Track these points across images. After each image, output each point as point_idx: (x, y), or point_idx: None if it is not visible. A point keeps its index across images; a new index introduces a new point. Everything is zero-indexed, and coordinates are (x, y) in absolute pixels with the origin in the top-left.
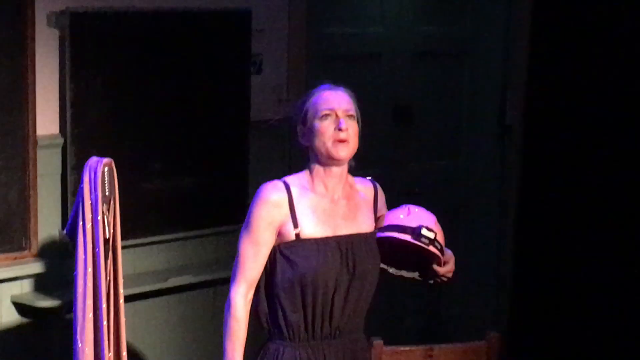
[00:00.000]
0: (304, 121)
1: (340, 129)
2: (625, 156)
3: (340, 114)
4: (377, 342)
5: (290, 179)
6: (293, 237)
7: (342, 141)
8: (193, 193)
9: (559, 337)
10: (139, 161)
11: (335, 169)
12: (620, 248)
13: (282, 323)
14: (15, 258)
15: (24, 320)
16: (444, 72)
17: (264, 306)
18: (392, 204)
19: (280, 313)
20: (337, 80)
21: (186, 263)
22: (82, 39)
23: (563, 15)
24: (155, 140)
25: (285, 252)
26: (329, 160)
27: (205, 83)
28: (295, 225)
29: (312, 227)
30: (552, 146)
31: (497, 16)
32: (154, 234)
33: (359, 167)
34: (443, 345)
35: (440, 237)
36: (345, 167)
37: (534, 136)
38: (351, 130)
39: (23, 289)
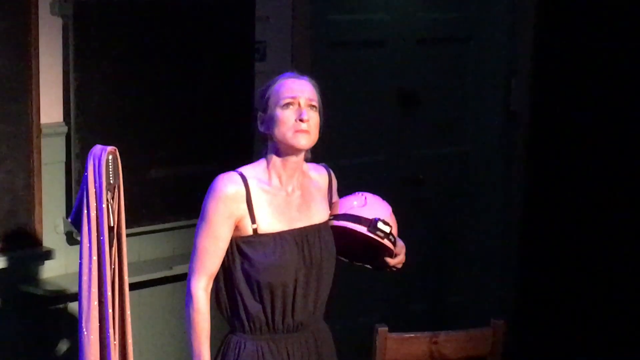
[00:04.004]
0: (265, 108)
1: (301, 120)
2: (632, 140)
3: (302, 103)
4: (382, 328)
5: (246, 171)
6: (250, 232)
7: (302, 132)
8: (197, 180)
9: (564, 325)
10: (143, 149)
11: (292, 159)
12: (628, 234)
13: (243, 316)
14: (20, 246)
15: (29, 308)
16: (448, 58)
17: (224, 298)
18: (397, 191)
19: (241, 306)
20: (342, 66)
21: (191, 250)
22: (85, 27)
23: (568, 0)
24: (159, 128)
25: (243, 247)
26: (288, 149)
27: (210, 70)
28: (253, 221)
29: (268, 222)
30: (558, 132)
31: (501, 1)
32: (158, 222)
33: (363, 152)
34: (448, 332)
35: (395, 230)
36: (302, 157)
37: (540, 122)
38: (312, 121)
39: (28, 277)
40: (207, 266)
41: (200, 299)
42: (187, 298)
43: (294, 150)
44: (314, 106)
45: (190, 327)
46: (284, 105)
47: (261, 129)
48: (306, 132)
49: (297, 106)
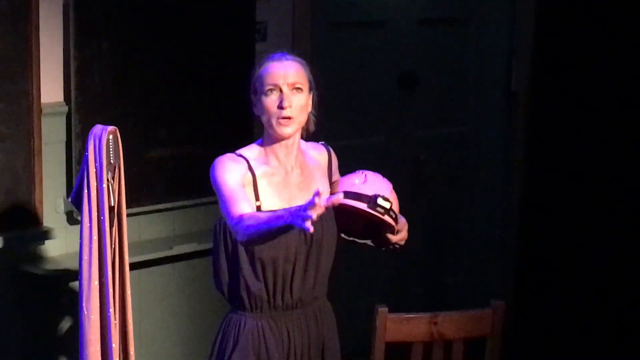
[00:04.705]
0: (255, 92)
1: (282, 107)
2: (632, 122)
3: (284, 89)
4: (382, 309)
5: (244, 152)
6: (254, 209)
7: (285, 118)
8: (198, 160)
9: (564, 305)
10: (143, 129)
11: (285, 141)
12: (629, 217)
13: (244, 294)
14: (21, 226)
15: (30, 288)
16: (449, 38)
17: (225, 277)
18: (397, 171)
19: (242, 284)
20: (343, 47)
21: (191, 230)
22: (86, 6)
23: None
24: (160, 107)
25: None
26: (277, 135)
27: (211, 51)
28: (257, 198)
29: (270, 200)
30: (558, 113)
31: None
32: (159, 202)
33: (364, 133)
34: (448, 313)
35: (396, 206)
36: (297, 137)
37: (540, 103)
38: (296, 105)
39: (28, 257)
40: (241, 199)
41: (246, 213)
42: (236, 230)
43: (281, 137)
44: (298, 88)
45: (257, 224)
46: (266, 92)
47: (255, 111)
48: (288, 118)
49: (278, 92)
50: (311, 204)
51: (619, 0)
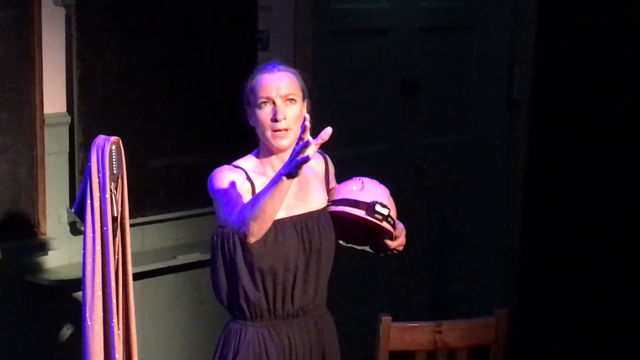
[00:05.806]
0: (248, 104)
1: (275, 120)
2: (633, 129)
3: (278, 101)
4: (385, 318)
5: (241, 163)
6: None
7: (280, 131)
8: (201, 170)
9: (567, 313)
10: (146, 139)
11: (282, 152)
12: (632, 224)
13: (244, 304)
14: (23, 236)
15: (33, 298)
16: (451, 46)
17: (224, 288)
18: (400, 180)
19: (241, 294)
20: (345, 55)
21: (195, 240)
22: (88, 17)
23: None
24: (162, 117)
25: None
26: (273, 147)
27: (212, 60)
28: None
29: None
30: (560, 120)
31: None
32: (162, 212)
33: (366, 141)
34: (451, 322)
35: (393, 213)
36: (291, 147)
37: (542, 110)
38: (290, 116)
39: (32, 267)
40: (240, 201)
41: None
42: (239, 223)
43: (277, 149)
44: (292, 99)
45: (257, 199)
46: (259, 105)
47: (250, 122)
48: (284, 130)
49: (272, 105)
50: (303, 145)
51: (620, 8)
